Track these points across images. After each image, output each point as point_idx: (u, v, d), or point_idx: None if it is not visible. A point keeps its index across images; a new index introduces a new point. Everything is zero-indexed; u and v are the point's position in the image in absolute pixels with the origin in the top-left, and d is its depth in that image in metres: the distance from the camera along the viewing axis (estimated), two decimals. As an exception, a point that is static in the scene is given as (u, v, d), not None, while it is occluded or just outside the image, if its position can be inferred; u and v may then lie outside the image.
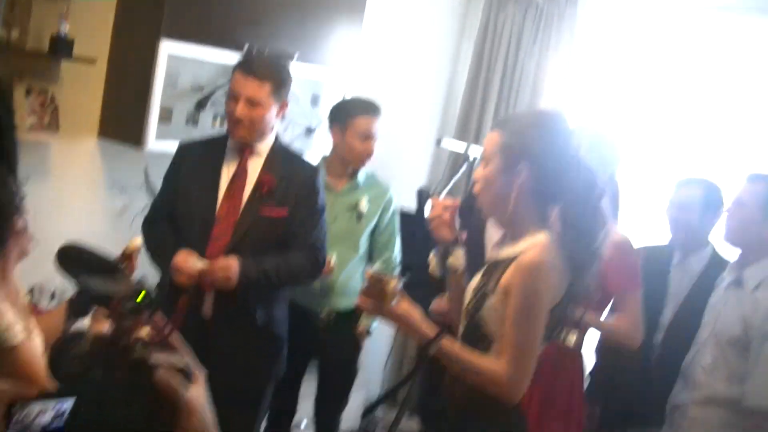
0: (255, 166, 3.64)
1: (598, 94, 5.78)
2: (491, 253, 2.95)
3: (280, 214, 3.60)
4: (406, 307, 2.72)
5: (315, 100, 4.87)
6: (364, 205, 4.27)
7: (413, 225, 4.68)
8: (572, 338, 3.67)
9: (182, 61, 4.13)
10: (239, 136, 3.58)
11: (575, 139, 2.77)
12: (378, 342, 4.57)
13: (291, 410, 4.54)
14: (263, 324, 3.68)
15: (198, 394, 1.53)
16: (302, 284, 3.87)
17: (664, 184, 4.70)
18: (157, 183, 3.96)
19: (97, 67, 4.14)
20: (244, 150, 3.64)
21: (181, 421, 1.50)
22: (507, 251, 2.78)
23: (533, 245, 2.68)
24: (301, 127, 4.81)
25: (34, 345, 2.40)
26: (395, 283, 2.69)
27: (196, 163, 3.69)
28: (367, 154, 4.24)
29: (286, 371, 4.19)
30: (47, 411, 1.52)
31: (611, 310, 3.90)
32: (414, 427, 5.87)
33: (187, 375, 1.52)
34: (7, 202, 2.41)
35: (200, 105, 4.28)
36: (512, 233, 2.80)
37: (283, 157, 3.70)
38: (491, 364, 2.67)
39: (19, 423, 1.54)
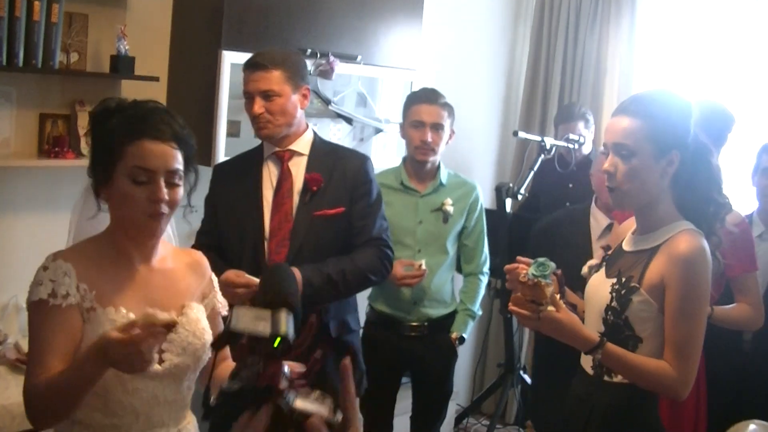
0: (299, 168, 3.38)
1: (665, 70, 5.53)
2: (607, 243, 2.81)
3: (336, 212, 3.35)
4: (565, 313, 2.52)
5: (380, 101, 4.69)
6: (449, 205, 4.06)
7: (495, 222, 4.52)
8: None
9: (246, 70, 3.96)
10: (266, 134, 3.32)
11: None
12: (462, 349, 4.37)
13: (386, 428, 4.33)
14: (337, 335, 3.44)
15: None
16: (375, 284, 3.57)
17: (743, 152, 4.48)
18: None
19: (158, 86, 4.00)
20: (283, 154, 3.39)
21: None
22: (644, 243, 2.64)
23: (680, 234, 2.55)
24: (370, 128, 4.64)
25: (70, 318, 2.15)
26: (552, 289, 2.49)
27: (234, 180, 3.44)
28: (422, 142, 3.99)
29: (379, 388, 4.00)
30: None
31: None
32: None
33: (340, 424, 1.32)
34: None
35: (268, 115, 4.09)
36: (648, 223, 2.65)
37: (326, 152, 3.44)
38: (660, 365, 2.53)
39: None
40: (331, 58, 4.29)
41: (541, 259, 2.48)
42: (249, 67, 3.31)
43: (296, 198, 3.35)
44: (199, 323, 2.34)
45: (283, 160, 3.38)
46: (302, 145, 3.40)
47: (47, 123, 3.83)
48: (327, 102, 4.40)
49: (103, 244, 2.29)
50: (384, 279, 3.52)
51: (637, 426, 2.65)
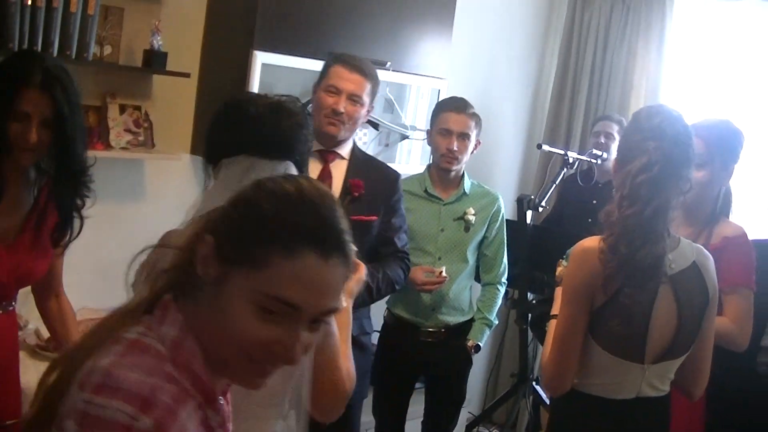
0: (339, 171, 3.48)
1: (694, 89, 5.54)
2: None
3: (370, 219, 3.45)
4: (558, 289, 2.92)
5: (407, 108, 4.73)
6: (471, 215, 4.09)
7: (515, 233, 4.54)
8: None
9: (277, 70, 4.01)
10: (332, 132, 3.40)
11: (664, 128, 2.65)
12: (476, 358, 4.40)
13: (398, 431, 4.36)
14: (356, 335, 3.47)
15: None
16: (395, 292, 3.70)
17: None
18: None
19: (189, 82, 4.05)
20: (327, 154, 3.47)
21: None
22: None
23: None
24: (396, 135, 4.67)
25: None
26: (561, 269, 2.97)
27: None
28: (447, 150, 4.02)
29: (392, 391, 4.03)
30: None
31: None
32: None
33: None
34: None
35: (296, 116, 4.13)
36: None
37: (363, 160, 3.56)
38: (548, 349, 2.73)
39: None
40: (361, 62, 4.33)
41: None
42: (348, 66, 3.40)
43: None
44: None
45: (327, 160, 3.47)
46: (345, 150, 3.50)
47: (78, 113, 3.88)
48: (355, 106, 4.43)
49: None
50: (400, 287, 3.65)
51: None
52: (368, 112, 3.51)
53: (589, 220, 4.71)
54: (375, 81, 3.46)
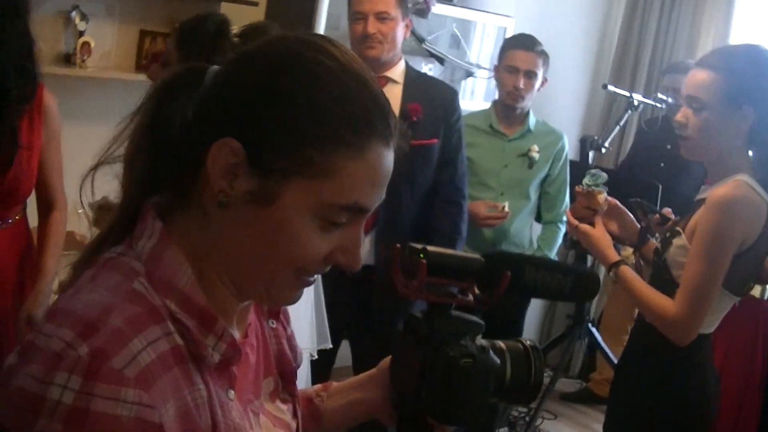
0: (394, 96, 3.42)
1: (763, 31, 5.44)
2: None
3: (430, 143, 3.44)
4: (599, 230, 2.72)
5: (473, 45, 4.69)
6: (535, 152, 4.06)
7: (577, 173, 4.51)
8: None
9: (345, -1, 4.00)
10: (374, 55, 3.34)
11: None
12: (533, 300, 4.41)
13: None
14: None
15: None
16: None
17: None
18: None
19: (256, 10, 4.06)
20: (378, 80, 3.42)
21: None
22: (705, 193, 2.60)
23: (727, 182, 2.50)
24: (461, 71, 4.65)
25: None
26: (604, 196, 2.73)
27: None
28: (514, 88, 3.99)
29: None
30: None
31: None
32: (569, 387, 5.75)
33: None
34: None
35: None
36: (717, 176, 2.60)
37: (418, 80, 3.52)
38: (663, 299, 2.53)
39: None
40: (429, -4, 4.31)
41: (593, 170, 2.74)
42: None
43: None
44: None
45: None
46: (397, 73, 3.47)
47: (146, 39, 3.93)
48: (421, 40, 4.41)
49: None
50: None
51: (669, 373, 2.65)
52: (407, 26, 3.44)
53: (662, 164, 4.68)
54: None
